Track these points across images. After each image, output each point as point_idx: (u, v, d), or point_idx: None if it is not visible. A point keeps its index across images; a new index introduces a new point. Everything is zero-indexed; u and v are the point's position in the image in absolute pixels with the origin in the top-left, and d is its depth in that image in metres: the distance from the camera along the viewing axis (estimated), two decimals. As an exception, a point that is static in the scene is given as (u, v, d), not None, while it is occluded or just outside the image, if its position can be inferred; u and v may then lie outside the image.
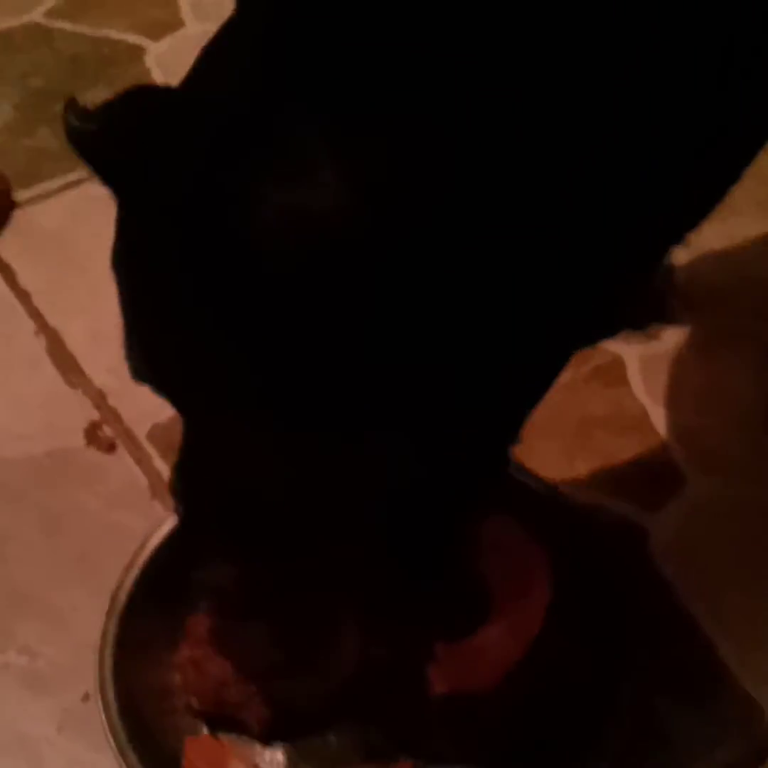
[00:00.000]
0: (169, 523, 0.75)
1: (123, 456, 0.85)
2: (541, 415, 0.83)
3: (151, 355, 0.53)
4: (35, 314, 0.94)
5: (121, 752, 0.66)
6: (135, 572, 0.73)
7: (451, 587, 0.71)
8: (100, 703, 0.68)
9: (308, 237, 0.44)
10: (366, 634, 0.71)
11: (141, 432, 0.86)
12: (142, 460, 0.85)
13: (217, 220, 0.45)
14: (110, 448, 0.85)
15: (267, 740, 0.69)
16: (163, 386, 0.54)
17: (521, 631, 0.71)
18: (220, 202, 0.45)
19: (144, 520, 0.79)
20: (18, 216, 1.03)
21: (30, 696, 0.74)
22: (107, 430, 0.86)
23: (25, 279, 0.97)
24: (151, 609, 0.72)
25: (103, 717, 0.67)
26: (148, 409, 0.86)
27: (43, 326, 0.93)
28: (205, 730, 0.70)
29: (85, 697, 0.72)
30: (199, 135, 0.47)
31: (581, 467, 0.81)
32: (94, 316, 0.91)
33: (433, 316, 0.46)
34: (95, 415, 0.87)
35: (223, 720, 0.69)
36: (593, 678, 0.69)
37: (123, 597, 0.72)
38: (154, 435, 0.86)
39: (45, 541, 0.81)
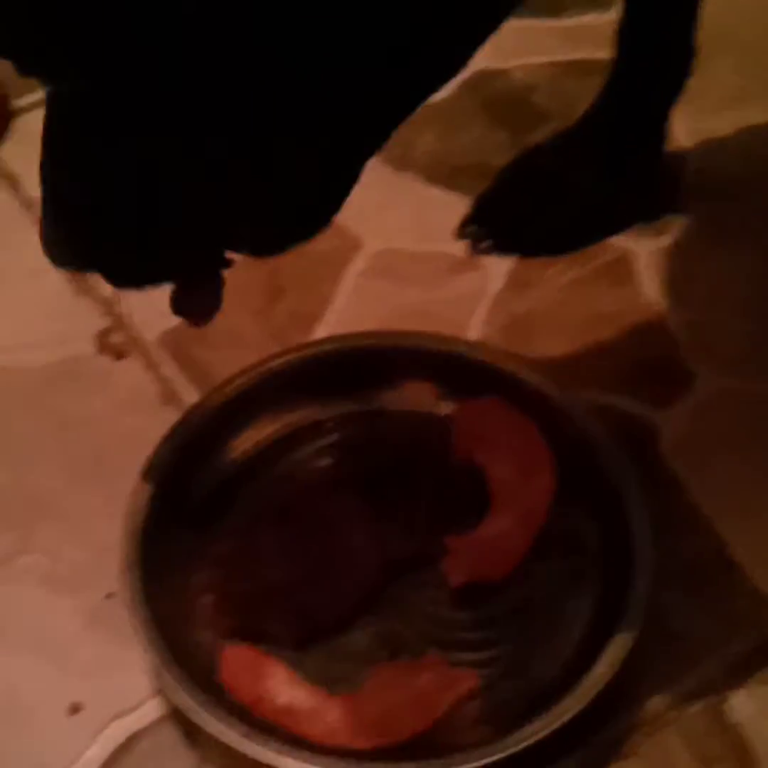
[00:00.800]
0: (180, 428, 0.76)
1: (133, 362, 0.86)
2: (548, 313, 0.85)
3: None
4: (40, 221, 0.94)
5: (153, 654, 0.68)
6: (149, 483, 0.74)
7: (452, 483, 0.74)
8: (126, 602, 0.69)
9: None
10: (381, 536, 0.73)
11: (151, 338, 0.87)
12: (152, 367, 0.86)
13: None
14: (120, 355, 0.86)
15: (297, 647, 0.71)
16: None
17: (529, 519, 0.73)
18: None
19: (155, 425, 0.80)
20: (17, 124, 1.02)
21: (54, 596, 0.76)
22: (117, 337, 0.87)
23: (29, 187, 0.97)
24: (169, 520, 0.74)
25: (131, 615, 0.69)
26: (157, 316, 0.87)
27: (49, 234, 0.94)
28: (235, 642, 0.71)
29: (110, 596, 0.74)
30: None
31: (588, 365, 0.82)
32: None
33: None
34: (104, 322, 0.88)
35: (252, 634, 0.71)
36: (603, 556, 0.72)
37: (141, 505, 0.73)
38: (163, 341, 0.87)
39: (59, 447, 0.82)
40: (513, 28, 1.00)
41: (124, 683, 0.71)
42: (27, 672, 0.73)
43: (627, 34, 0.82)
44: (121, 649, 0.71)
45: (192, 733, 0.69)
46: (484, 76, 1.00)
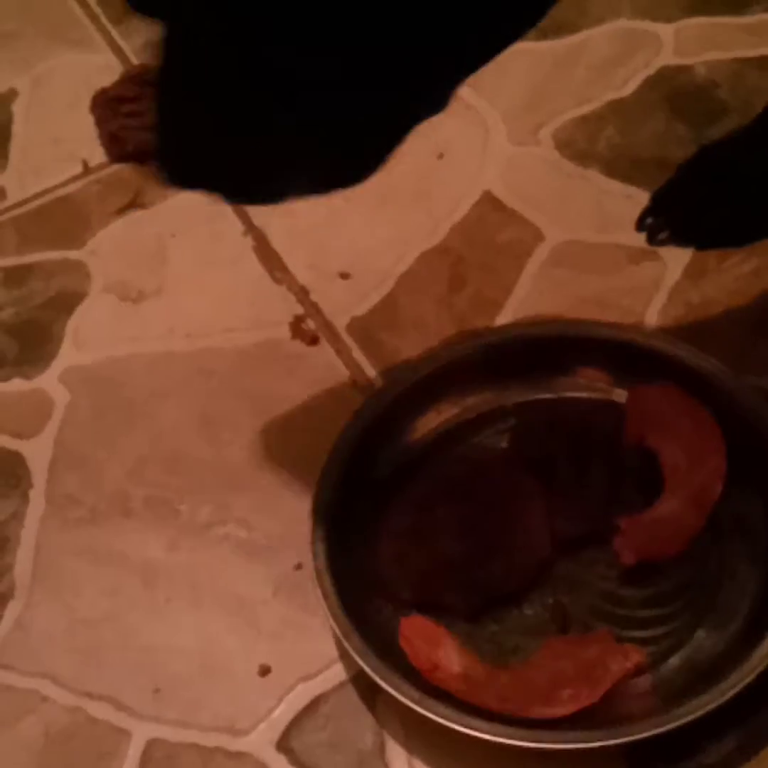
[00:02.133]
0: (367, 410, 0.81)
1: (324, 347, 0.91)
2: (724, 303, 0.86)
3: None
4: (243, 215, 1.00)
5: (337, 622, 0.72)
6: (337, 460, 0.79)
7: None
8: (313, 572, 0.74)
9: None
10: (554, 514, 0.76)
11: (340, 325, 0.92)
12: (342, 352, 0.90)
13: None
14: (313, 340, 0.91)
15: (471, 619, 0.75)
16: None
17: (701, 500, 0.75)
18: None
19: (344, 406, 0.85)
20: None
21: (248, 563, 0.81)
22: (310, 324, 0.92)
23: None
24: (354, 495, 0.78)
25: (317, 585, 0.74)
26: (348, 304, 0.93)
27: (250, 226, 1.00)
28: (412, 614, 0.75)
29: (298, 566, 0.79)
30: None
31: (763, 354, 0.83)
32: (295, 216, 0.97)
33: None
34: (299, 309, 0.94)
35: (428, 605, 0.75)
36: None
37: (329, 480, 0.78)
38: (352, 328, 0.92)
39: (254, 424, 0.88)
40: (697, 24, 1.03)
41: (310, 648, 0.76)
42: (223, 632, 0.78)
43: None
44: (308, 616, 0.76)
45: (372, 696, 0.73)
46: (668, 72, 1.01)
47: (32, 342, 0.96)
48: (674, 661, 0.71)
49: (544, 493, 0.77)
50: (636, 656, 0.71)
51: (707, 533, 0.74)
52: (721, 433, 0.76)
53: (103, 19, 1.19)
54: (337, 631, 0.72)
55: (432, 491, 0.78)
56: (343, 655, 0.75)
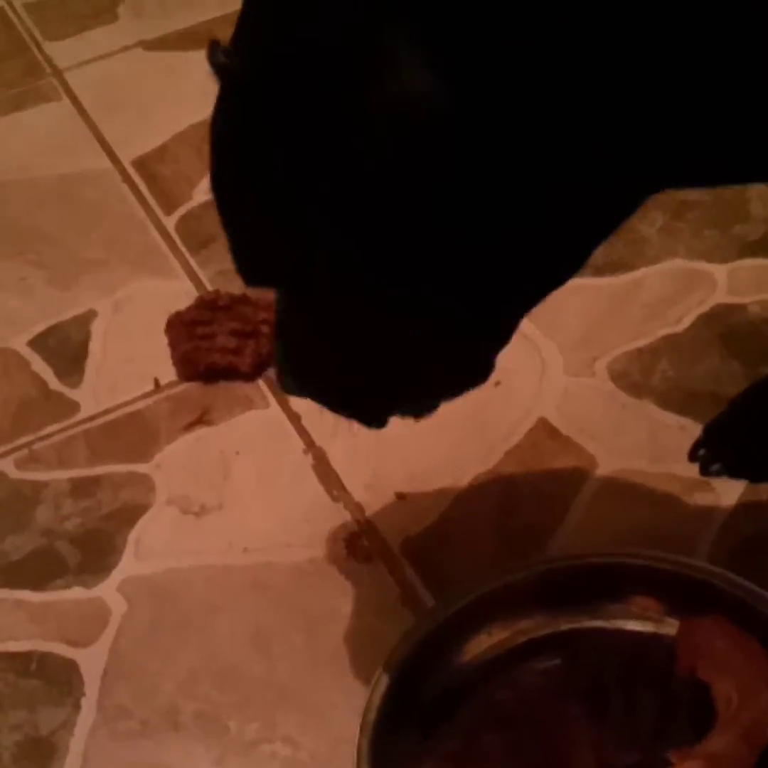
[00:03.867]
0: (417, 630, 0.82)
1: (378, 566, 0.92)
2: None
3: (254, 247, 0.64)
4: (304, 434, 1.04)
5: None
6: (385, 680, 0.79)
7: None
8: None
9: (408, 119, 0.53)
10: (601, 746, 0.75)
11: (395, 544, 0.93)
12: (395, 571, 0.91)
13: (325, 118, 0.55)
14: (367, 558, 0.93)
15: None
16: (267, 277, 0.66)
17: (754, 737, 0.73)
18: (325, 102, 0.55)
19: (394, 626, 0.85)
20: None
21: (293, 783, 0.81)
22: (365, 542, 0.94)
23: (296, 403, 1.06)
24: (401, 716, 0.78)
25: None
26: (402, 524, 0.94)
27: (310, 445, 1.03)
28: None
29: (343, 789, 0.79)
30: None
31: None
32: (355, 437, 1.00)
33: (508, 180, 0.55)
34: (354, 527, 0.95)
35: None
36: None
37: (376, 701, 0.78)
38: (406, 547, 0.93)
39: (305, 641, 0.89)
40: (751, 266, 1.07)
41: None
42: None
43: None
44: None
45: None
46: (722, 310, 1.04)
47: (95, 552, 0.98)
48: None
49: (593, 723, 0.76)
50: None
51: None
52: (773, 667, 0.75)
53: (183, 249, 1.25)
54: None
55: (480, 716, 0.78)
56: None
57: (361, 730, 0.76)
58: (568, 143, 0.55)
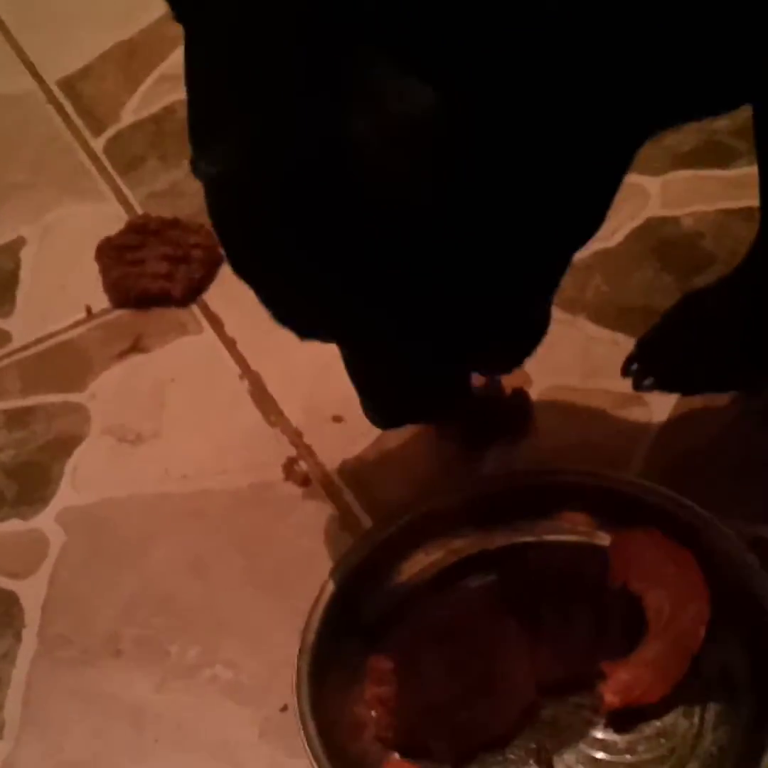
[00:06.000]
0: (355, 552, 0.82)
1: (316, 490, 0.92)
2: (708, 450, 0.88)
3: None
4: (240, 360, 1.03)
5: (318, 761, 0.72)
6: (324, 602, 0.79)
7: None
8: (297, 715, 0.75)
9: (405, 137, 0.54)
10: (538, 659, 0.77)
11: (332, 468, 0.93)
12: (333, 495, 0.92)
13: (323, 148, 0.56)
14: (305, 482, 0.93)
15: (456, 763, 0.75)
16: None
17: (684, 645, 0.75)
18: (320, 129, 0.55)
19: (333, 550, 0.87)
20: (224, 269, 1.11)
21: (234, 705, 0.81)
22: (303, 466, 0.94)
23: (230, 328, 1.06)
24: (340, 637, 0.79)
25: (301, 729, 0.74)
26: (339, 447, 0.94)
27: (246, 370, 1.02)
28: (396, 757, 0.75)
29: (284, 708, 0.79)
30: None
31: (746, 500, 0.84)
32: (291, 360, 1.00)
33: (507, 181, 0.57)
34: (292, 451, 0.95)
35: (413, 749, 0.75)
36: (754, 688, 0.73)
37: (315, 623, 0.79)
38: (343, 471, 0.93)
39: (244, 566, 0.89)
40: (684, 178, 1.06)
41: (294, 792, 0.76)
42: (207, 775, 0.79)
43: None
44: (292, 760, 0.76)
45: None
46: (654, 223, 1.04)
47: (31, 483, 0.98)
48: (657, 808, 0.71)
49: (529, 637, 0.77)
50: (618, 805, 0.71)
51: (691, 679, 0.75)
52: (703, 579, 0.76)
53: (112, 172, 1.23)
54: (318, 777, 0.73)
55: (417, 636, 0.78)
56: (327, 801, 0.75)
57: (301, 652, 0.77)
58: (571, 112, 0.56)
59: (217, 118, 0.61)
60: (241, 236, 0.63)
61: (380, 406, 0.73)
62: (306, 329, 0.68)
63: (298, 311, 0.66)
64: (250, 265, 0.65)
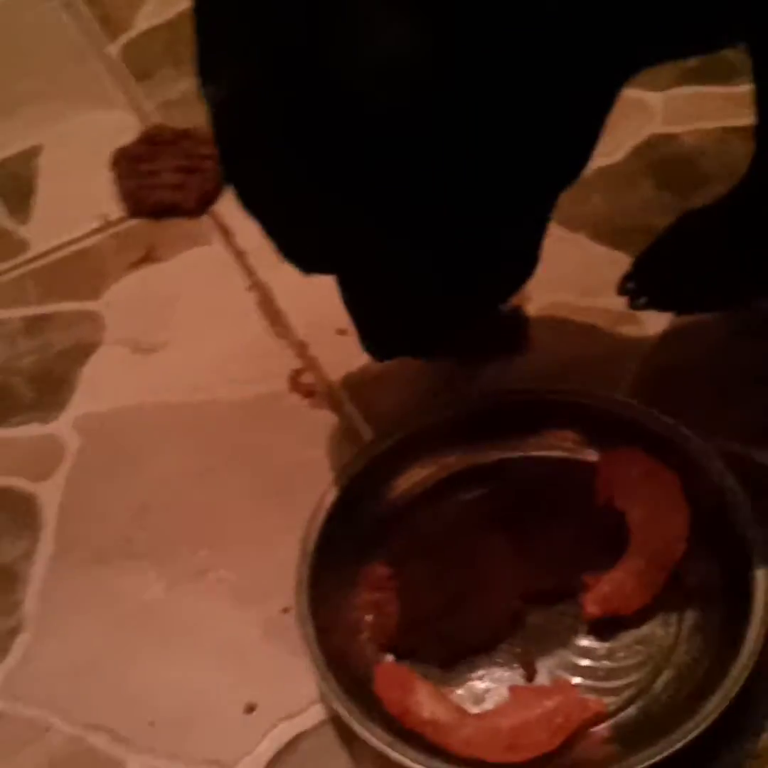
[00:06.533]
0: (353, 465, 0.86)
1: (320, 401, 0.96)
2: (699, 367, 0.90)
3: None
4: (249, 271, 1.06)
5: (318, 666, 0.77)
6: (322, 512, 0.83)
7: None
8: (297, 617, 0.79)
9: (398, 75, 0.57)
10: (523, 568, 0.81)
11: (336, 380, 0.97)
12: (336, 406, 0.95)
13: (319, 81, 0.58)
14: (309, 393, 0.96)
15: (443, 666, 0.79)
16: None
17: (663, 559, 0.79)
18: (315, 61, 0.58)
19: (336, 459, 0.90)
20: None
21: (238, 606, 0.86)
22: (308, 378, 0.97)
23: (240, 239, 1.08)
24: (338, 545, 0.83)
25: (301, 631, 0.78)
26: (343, 360, 0.97)
27: (255, 282, 1.05)
28: (390, 658, 0.80)
29: (285, 610, 0.84)
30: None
31: (732, 418, 0.87)
32: (298, 273, 1.02)
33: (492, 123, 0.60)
34: (297, 363, 0.99)
35: (404, 651, 0.80)
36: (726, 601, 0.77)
37: (314, 532, 0.83)
38: (347, 383, 0.96)
39: (250, 474, 0.93)
40: (684, 94, 1.07)
41: (294, 689, 0.81)
42: (214, 672, 0.83)
43: (761, 113, 0.86)
44: (293, 658, 0.80)
45: (348, 737, 0.78)
46: (655, 141, 1.05)
47: (49, 389, 1.02)
48: (631, 710, 0.75)
49: (516, 548, 0.81)
50: (595, 706, 0.75)
51: (670, 591, 0.79)
52: (683, 495, 0.80)
53: (126, 78, 1.25)
54: (317, 673, 0.77)
55: (409, 546, 0.83)
56: (324, 697, 0.79)
57: (300, 559, 0.81)
58: (554, 44, 0.58)
59: (223, 45, 0.64)
60: (246, 158, 0.65)
61: (377, 338, 0.76)
62: (310, 261, 0.70)
63: (302, 240, 0.69)
64: (255, 192, 0.67)
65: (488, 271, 0.73)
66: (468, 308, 0.77)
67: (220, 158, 0.68)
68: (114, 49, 1.29)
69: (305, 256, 0.71)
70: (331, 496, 0.84)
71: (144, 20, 1.30)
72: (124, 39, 1.29)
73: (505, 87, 0.58)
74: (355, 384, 0.96)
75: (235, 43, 0.63)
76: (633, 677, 0.77)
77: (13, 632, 0.88)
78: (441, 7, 0.55)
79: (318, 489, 0.85)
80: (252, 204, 0.68)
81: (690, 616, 0.78)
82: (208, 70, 0.65)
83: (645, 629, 0.79)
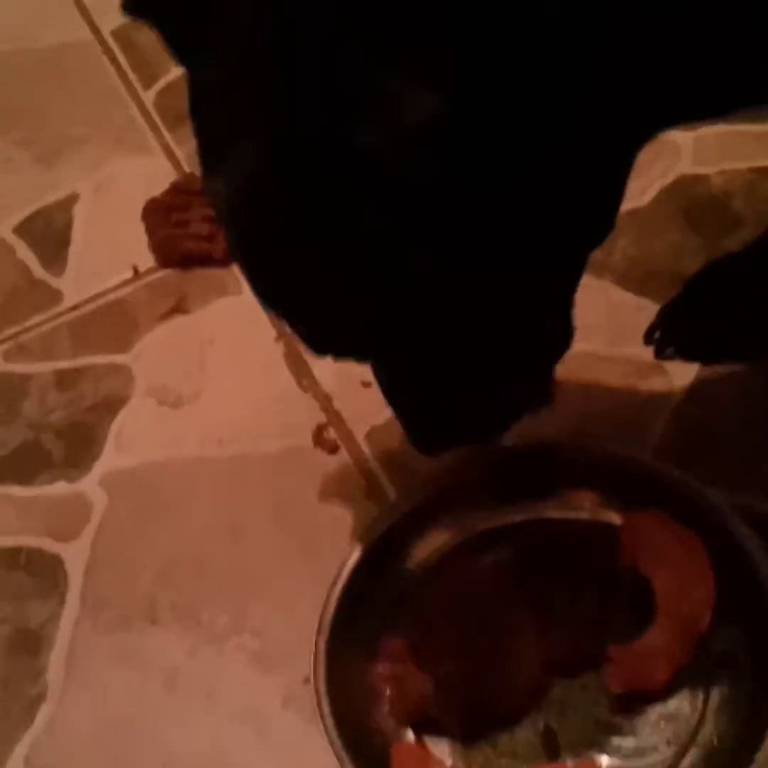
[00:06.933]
0: (373, 529, 0.84)
1: (344, 456, 0.95)
2: (728, 421, 0.87)
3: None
4: (275, 322, 1.05)
5: (335, 748, 0.76)
6: (342, 581, 0.82)
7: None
8: (315, 693, 0.78)
9: (416, 143, 0.54)
10: (546, 638, 0.79)
11: (360, 435, 0.96)
12: (360, 462, 0.94)
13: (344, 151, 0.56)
14: (334, 449, 0.95)
15: (465, 739, 0.78)
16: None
17: (690, 629, 0.76)
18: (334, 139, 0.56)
19: (359, 517, 0.89)
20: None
21: (260, 674, 0.85)
22: (332, 433, 0.96)
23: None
24: (357, 616, 0.81)
25: (319, 710, 0.77)
26: (367, 413, 0.96)
27: (281, 333, 1.04)
28: (409, 733, 0.79)
29: (306, 680, 0.82)
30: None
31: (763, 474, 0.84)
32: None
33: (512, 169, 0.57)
34: (322, 417, 0.98)
35: (424, 725, 0.79)
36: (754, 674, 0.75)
37: (333, 602, 0.81)
38: (371, 437, 0.95)
39: (274, 531, 0.92)
40: (714, 133, 1.04)
41: (314, 760, 0.79)
42: (235, 741, 0.83)
43: None
44: (314, 728, 0.78)
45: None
46: (684, 182, 1.02)
47: (78, 445, 1.02)
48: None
49: (538, 616, 0.79)
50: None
51: (696, 665, 0.76)
52: (709, 562, 0.77)
53: (160, 125, 1.25)
54: (335, 748, 0.76)
55: (429, 615, 0.81)
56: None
57: (319, 631, 0.80)
58: (572, 112, 0.56)
59: (230, 135, 0.62)
60: (270, 248, 0.63)
61: (428, 431, 0.75)
62: (342, 350, 0.69)
63: (333, 333, 0.67)
64: (288, 277, 0.64)
65: (539, 343, 0.72)
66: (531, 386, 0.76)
67: (239, 256, 0.65)
68: (150, 95, 1.29)
69: (347, 340, 0.68)
70: (351, 562, 0.82)
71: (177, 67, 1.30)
72: (160, 84, 1.29)
73: (531, 147, 0.57)
74: (378, 439, 0.95)
75: (246, 134, 0.61)
76: (659, 756, 0.75)
77: (37, 701, 0.88)
78: (465, 79, 0.54)
79: (341, 549, 0.84)
80: (276, 301, 0.66)
81: (716, 690, 0.76)
82: (214, 165, 0.63)
83: (671, 704, 0.76)
